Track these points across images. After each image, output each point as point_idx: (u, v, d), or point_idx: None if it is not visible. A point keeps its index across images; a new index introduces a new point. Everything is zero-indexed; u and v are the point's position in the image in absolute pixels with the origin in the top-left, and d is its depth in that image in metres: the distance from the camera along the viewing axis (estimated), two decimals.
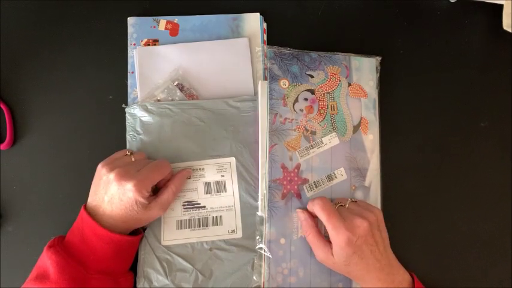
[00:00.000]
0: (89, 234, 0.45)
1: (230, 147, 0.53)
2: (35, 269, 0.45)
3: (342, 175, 0.53)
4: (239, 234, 0.52)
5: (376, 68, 0.56)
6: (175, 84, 0.55)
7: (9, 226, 0.53)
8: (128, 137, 0.54)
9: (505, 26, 0.56)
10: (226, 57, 0.56)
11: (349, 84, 0.55)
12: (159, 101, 0.55)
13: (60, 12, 0.58)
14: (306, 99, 0.54)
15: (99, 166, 0.48)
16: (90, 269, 0.45)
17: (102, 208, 0.46)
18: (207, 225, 0.52)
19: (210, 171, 0.53)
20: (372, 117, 0.55)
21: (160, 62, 0.55)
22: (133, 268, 0.51)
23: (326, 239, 0.48)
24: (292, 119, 0.53)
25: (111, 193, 0.46)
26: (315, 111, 0.54)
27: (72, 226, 0.47)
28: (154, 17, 0.57)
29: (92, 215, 0.46)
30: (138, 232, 0.50)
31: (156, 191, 0.50)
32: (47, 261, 0.44)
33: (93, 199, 0.47)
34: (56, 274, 0.43)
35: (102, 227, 0.45)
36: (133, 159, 0.49)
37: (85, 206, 0.48)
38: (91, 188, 0.48)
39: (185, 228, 0.52)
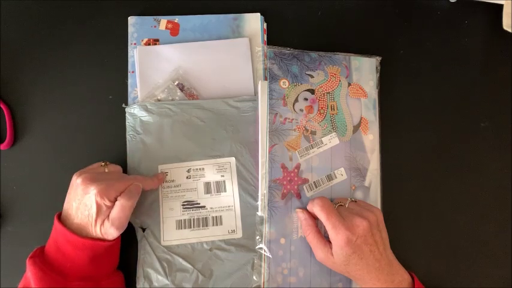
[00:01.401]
0: (62, 242, 0.45)
1: (230, 147, 0.53)
2: (22, 279, 0.45)
3: (342, 175, 0.53)
4: (239, 234, 0.52)
5: (376, 68, 0.56)
6: (175, 83, 0.55)
7: (9, 226, 0.53)
8: (127, 137, 0.54)
9: (505, 26, 0.56)
10: (227, 57, 0.56)
11: (349, 84, 0.55)
12: (159, 100, 0.55)
13: (60, 12, 0.58)
14: (306, 99, 0.54)
15: (74, 175, 0.47)
16: (69, 276, 0.44)
17: (72, 216, 0.46)
18: (206, 225, 0.52)
19: (210, 171, 0.53)
20: (372, 117, 0.55)
21: (161, 61, 0.55)
22: (130, 268, 0.51)
23: (326, 239, 0.48)
24: (292, 119, 0.53)
25: (78, 198, 0.45)
26: (315, 111, 0.54)
27: (50, 236, 0.47)
28: (154, 17, 0.57)
29: (64, 223, 0.46)
30: None
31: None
32: (28, 272, 0.44)
33: (65, 207, 0.47)
34: (35, 285, 0.43)
35: (73, 234, 0.45)
36: (106, 170, 0.49)
37: (58, 214, 0.47)
38: (66, 197, 0.48)
39: (185, 228, 0.52)
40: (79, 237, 0.45)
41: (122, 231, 0.47)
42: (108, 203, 0.45)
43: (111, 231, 0.45)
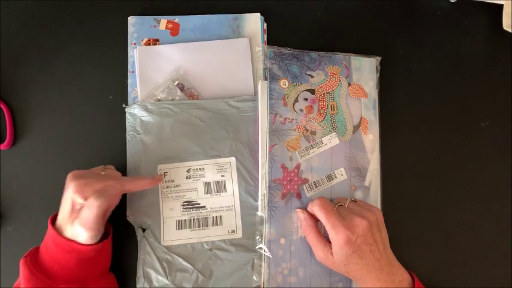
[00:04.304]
0: (51, 243, 0.45)
1: (230, 147, 0.53)
2: (17, 279, 0.45)
3: (342, 175, 0.53)
4: (239, 234, 0.52)
5: (376, 68, 0.56)
6: (175, 83, 0.55)
7: (9, 226, 0.53)
8: (127, 137, 0.54)
9: (505, 26, 0.56)
10: (227, 57, 0.56)
11: (349, 84, 0.55)
12: (159, 100, 0.55)
13: (60, 12, 0.58)
14: (306, 99, 0.54)
15: None
16: (57, 279, 0.44)
17: (59, 213, 0.46)
18: (207, 226, 0.52)
19: (210, 171, 0.53)
20: (372, 117, 0.55)
21: (161, 61, 0.55)
22: (130, 268, 0.51)
23: (326, 239, 0.48)
24: (292, 119, 0.53)
25: (64, 195, 0.46)
26: (315, 111, 0.54)
27: (44, 237, 0.47)
28: (155, 17, 0.57)
29: (55, 225, 0.46)
30: (104, 236, 0.48)
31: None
32: (20, 272, 0.45)
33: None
34: (23, 285, 0.43)
35: (61, 236, 0.44)
36: (102, 173, 0.48)
37: (53, 216, 0.47)
38: None
39: (185, 228, 0.52)
40: (66, 239, 0.44)
41: (92, 233, 0.45)
42: (81, 201, 0.44)
43: (79, 231, 0.44)
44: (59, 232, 0.45)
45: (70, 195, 0.44)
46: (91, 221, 0.44)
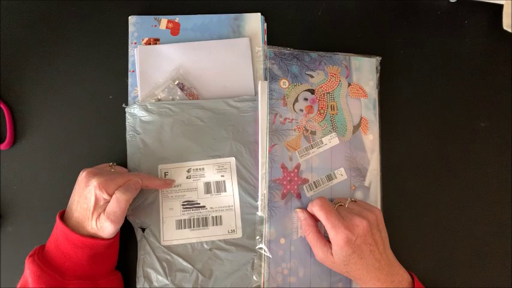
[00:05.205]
0: (62, 240, 0.45)
1: (230, 147, 0.53)
2: (21, 279, 0.45)
3: (341, 175, 0.53)
4: (239, 234, 0.52)
5: (376, 68, 0.56)
6: (175, 83, 0.55)
7: (9, 226, 0.53)
8: (127, 137, 0.54)
9: (505, 26, 0.56)
10: (227, 57, 0.56)
11: (349, 84, 0.55)
12: (159, 100, 0.55)
13: (61, 12, 0.58)
14: (306, 99, 0.54)
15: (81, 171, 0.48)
16: (67, 275, 0.45)
17: (72, 210, 0.46)
18: (206, 225, 0.52)
19: (210, 171, 0.53)
20: (372, 117, 0.55)
21: (161, 61, 0.55)
22: (130, 268, 0.51)
23: (326, 239, 0.48)
24: (292, 119, 0.53)
25: (80, 191, 0.46)
26: (315, 111, 0.54)
27: (51, 234, 0.47)
28: (155, 16, 0.57)
29: (65, 220, 0.46)
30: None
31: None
32: (26, 271, 0.44)
33: (68, 204, 0.48)
34: (33, 284, 0.43)
35: (73, 231, 0.45)
36: (112, 170, 0.50)
37: (61, 212, 0.47)
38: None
39: (185, 228, 0.52)
40: (79, 235, 0.45)
41: (117, 227, 0.46)
42: (106, 196, 0.45)
43: (106, 225, 0.45)
44: (73, 229, 0.45)
45: (93, 191, 0.45)
46: (118, 215, 0.45)
